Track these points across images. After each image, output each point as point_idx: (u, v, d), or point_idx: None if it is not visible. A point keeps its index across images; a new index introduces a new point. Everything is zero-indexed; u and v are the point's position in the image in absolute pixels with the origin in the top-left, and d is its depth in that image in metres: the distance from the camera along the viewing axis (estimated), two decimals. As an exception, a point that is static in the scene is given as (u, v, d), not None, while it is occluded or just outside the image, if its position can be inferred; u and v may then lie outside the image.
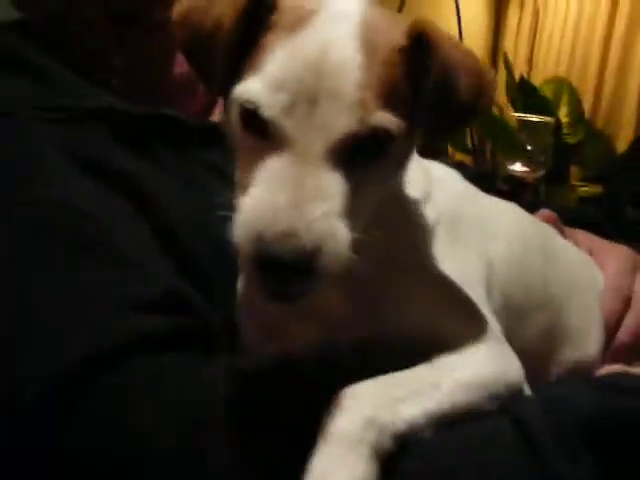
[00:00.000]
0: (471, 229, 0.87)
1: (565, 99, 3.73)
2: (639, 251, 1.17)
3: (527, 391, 0.76)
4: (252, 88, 0.65)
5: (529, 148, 2.30)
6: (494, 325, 0.79)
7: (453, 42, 0.70)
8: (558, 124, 3.25)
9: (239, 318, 0.84)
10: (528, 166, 2.29)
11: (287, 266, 0.60)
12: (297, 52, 0.64)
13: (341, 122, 0.63)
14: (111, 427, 0.65)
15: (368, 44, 0.65)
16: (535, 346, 0.93)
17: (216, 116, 1.09)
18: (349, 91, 0.63)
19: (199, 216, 0.84)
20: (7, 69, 0.92)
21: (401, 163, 0.74)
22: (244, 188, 0.65)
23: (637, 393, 0.73)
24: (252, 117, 0.65)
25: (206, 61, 0.68)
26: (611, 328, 1.03)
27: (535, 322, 0.95)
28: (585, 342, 1.02)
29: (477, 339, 0.76)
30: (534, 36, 4.62)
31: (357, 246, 0.64)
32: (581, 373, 1.00)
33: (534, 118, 2.43)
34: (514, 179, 2.27)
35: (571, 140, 3.58)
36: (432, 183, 0.85)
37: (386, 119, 0.65)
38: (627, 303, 1.06)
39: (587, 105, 4.13)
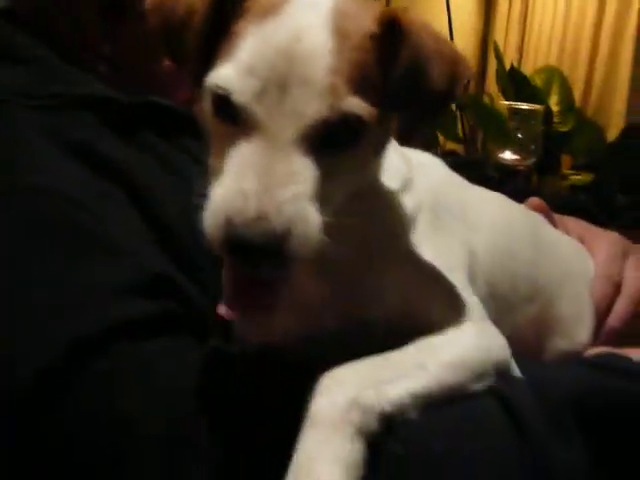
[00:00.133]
0: (453, 217, 0.87)
1: (555, 88, 3.73)
2: (629, 238, 1.17)
3: (515, 370, 0.76)
4: (224, 74, 0.65)
5: (520, 136, 2.30)
6: (477, 305, 0.80)
7: (427, 30, 0.69)
8: (549, 113, 3.25)
9: None
10: (519, 154, 2.30)
11: (257, 250, 0.60)
12: (269, 38, 0.65)
13: (311, 108, 0.63)
14: (100, 413, 0.65)
15: (339, 30, 0.65)
16: (525, 336, 0.93)
17: None
18: (320, 77, 0.63)
19: (189, 205, 0.83)
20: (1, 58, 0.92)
21: (376, 151, 0.73)
22: (216, 175, 0.65)
23: (627, 373, 0.73)
24: (224, 103, 0.65)
25: (180, 48, 0.69)
26: (601, 314, 1.04)
27: (524, 312, 0.95)
28: (576, 331, 1.02)
29: (460, 319, 0.76)
30: (524, 25, 4.62)
31: (329, 230, 0.64)
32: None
33: (524, 106, 2.44)
34: (505, 167, 2.28)
35: (562, 129, 3.58)
36: (414, 171, 0.85)
37: (357, 105, 0.65)
38: (617, 289, 1.06)
39: (577, 94, 4.13)
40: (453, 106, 2.70)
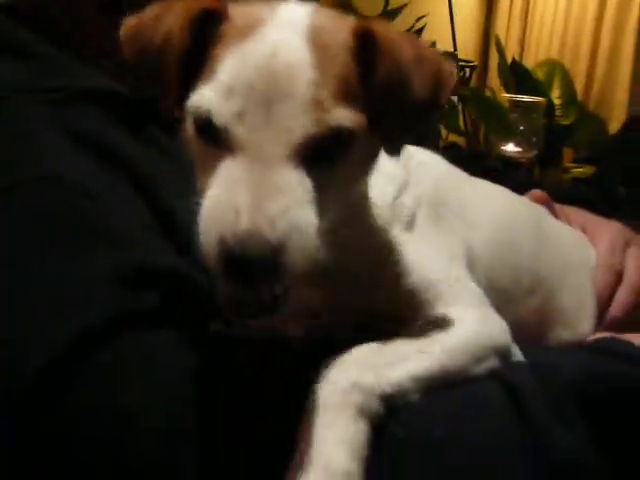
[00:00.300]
0: (451, 214, 0.87)
1: (557, 81, 3.73)
2: (631, 230, 1.17)
3: (517, 355, 0.77)
4: (203, 96, 0.64)
5: (521, 129, 2.31)
6: (477, 291, 0.80)
7: (405, 40, 0.68)
8: (550, 106, 3.25)
9: None
10: (520, 146, 2.30)
11: (253, 265, 0.59)
12: (247, 58, 0.64)
13: (298, 123, 0.62)
14: (101, 408, 0.65)
15: (317, 45, 0.65)
16: (527, 327, 0.94)
17: None
18: (303, 91, 0.62)
19: (191, 198, 0.84)
20: (5, 54, 0.92)
21: (366, 162, 0.72)
22: (204, 194, 0.64)
23: (628, 358, 0.73)
24: (206, 126, 0.64)
25: (158, 76, 0.68)
26: (603, 303, 1.04)
27: (526, 304, 0.96)
28: (578, 321, 1.03)
29: (461, 304, 0.77)
30: (526, 18, 4.62)
31: (325, 238, 0.63)
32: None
33: (526, 99, 2.44)
34: (507, 159, 2.28)
35: (563, 122, 3.58)
36: (414, 169, 0.85)
37: (345, 116, 0.64)
38: (619, 278, 1.06)
39: (579, 87, 4.13)
40: (455, 99, 2.70)
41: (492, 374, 0.72)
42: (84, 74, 0.90)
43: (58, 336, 0.66)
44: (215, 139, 0.64)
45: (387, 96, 0.66)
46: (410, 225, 0.80)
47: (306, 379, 0.66)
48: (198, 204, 0.63)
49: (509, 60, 3.52)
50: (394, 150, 0.69)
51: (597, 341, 0.87)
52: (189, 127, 0.67)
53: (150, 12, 0.69)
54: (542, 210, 1.11)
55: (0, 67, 0.90)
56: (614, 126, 3.91)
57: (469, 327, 0.74)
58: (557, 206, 1.18)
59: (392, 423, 0.65)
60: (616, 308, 1.04)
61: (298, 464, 0.62)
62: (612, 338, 0.85)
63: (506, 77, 3.44)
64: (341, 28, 0.68)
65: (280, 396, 0.67)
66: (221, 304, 0.65)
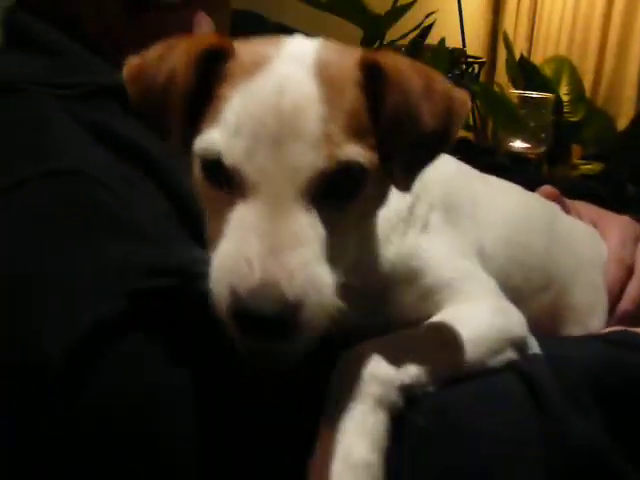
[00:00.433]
0: (463, 214, 0.88)
1: (565, 78, 3.73)
2: (640, 226, 1.18)
3: (534, 347, 0.78)
4: (211, 138, 0.62)
5: (530, 125, 2.31)
6: (492, 284, 0.81)
7: (413, 69, 0.66)
8: (559, 103, 3.24)
9: None
10: (529, 142, 2.30)
11: (267, 322, 0.56)
12: (254, 96, 0.62)
13: (308, 160, 0.60)
14: (129, 388, 0.66)
15: (325, 79, 0.63)
16: (539, 324, 0.94)
17: None
18: (313, 127, 0.61)
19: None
20: (22, 47, 0.93)
21: (378, 199, 0.70)
22: (215, 242, 0.62)
23: None
24: (215, 168, 0.62)
25: (162, 117, 0.65)
26: (614, 297, 1.05)
27: (539, 301, 0.96)
28: (590, 318, 1.03)
29: (479, 295, 0.78)
30: (534, 15, 4.61)
31: (344, 291, 0.61)
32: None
33: (535, 95, 2.44)
34: (515, 155, 2.28)
35: (572, 119, 3.58)
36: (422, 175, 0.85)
37: (355, 152, 0.62)
38: (629, 272, 1.07)
39: (587, 83, 4.12)
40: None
41: (509, 365, 0.73)
42: (105, 70, 0.91)
43: (72, 328, 0.67)
44: (225, 181, 0.62)
45: (396, 128, 0.64)
46: (424, 229, 0.80)
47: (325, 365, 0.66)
48: (209, 254, 0.61)
49: (517, 56, 3.52)
50: (405, 185, 0.66)
51: (611, 333, 0.88)
52: (197, 171, 0.65)
53: (153, 51, 0.68)
54: (554, 207, 1.12)
55: (21, 61, 0.91)
56: (622, 122, 3.90)
57: (484, 320, 0.75)
58: (567, 201, 1.19)
59: (412, 413, 0.65)
60: (627, 302, 1.05)
61: (319, 457, 0.62)
62: (625, 330, 0.86)
63: (514, 73, 3.44)
64: (348, 61, 0.66)
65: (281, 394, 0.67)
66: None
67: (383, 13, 2.39)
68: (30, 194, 0.76)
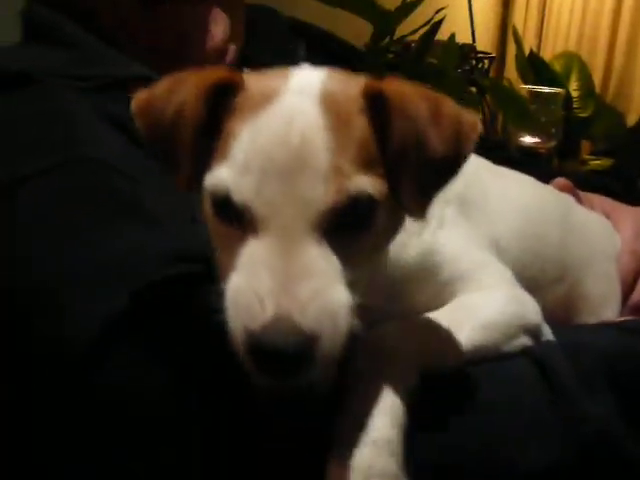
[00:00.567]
0: (477, 206, 0.88)
1: (575, 73, 3.71)
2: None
3: (548, 334, 0.78)
4: (220, 175, 0.62)
5: (540, 119, 2.30)
6: (507, 273, 0.82)
7: (419, 95, 0.65)
8: (568, 98, 3.24)
9: None
10: (539, 137, 2.30)
11: (284, 358, 0.56)
12: (262, 130, 0.62)
13: (318, 194, 0.60)
14: (152, 377, 0.67)
15: (331, 110, 0.63)
16: (553, 315, 0.95)
17: None
18: (321, 159, 0.60)
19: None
20: (39, 40, 0.94)
21: (392, 228, 0.69)
22: (226, 279, 0.61)
23: None
24: (225, 205, 0.62)
25: (172, 151, 0.65)
26: (627, 287, 1.06)
27: (553, 292, 0.97)
28: (603, 309, 1.04)
29: (494, 284, 0.79)
30: (543, 10, 4.60)
31: (360, 313, 0.60)
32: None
33: (545, 89, 2.44)
34: (525, 150, 2.28)
35: (581, 114, 3.57)
36: None
37: (365, 183, 0.61)
38: None
39: (597, 79, 4.11)
40: (474, 89, 2.70)
41: (524, 351, 0.74)
42: (121, 63, 0.92)
43: (95, 316, 0.69)
44: (235, 218, 0.62)
45: (404, 156, 0.63)
46: (440, 226, 0.81)
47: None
48: (222, 291, 0.60)
49: (527, 52, 3.51)
50: (418, 213, 0.65)
51: (625, 321, 0.89)
52: (207, 208, 0.65)
53: (162, 84, 0.68)
54: (568, 198, 1.12)
55: (38, 54, 0.92)
56: (632, 118, 3.89)
57: (498, 306, 0.76)
58: (581, 193, 1.20)
59: (428, 393, 0.67)
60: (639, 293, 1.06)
61: (339, 434, 0.63)
62: (637, 319, 0.86)
63: (524, 69, 3.43)
64: (352, 91, 0.65)
65: None
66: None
67: (393, 9, 2.39)
68: (51, 181, 0.77)
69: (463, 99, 2.31)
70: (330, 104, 0.63)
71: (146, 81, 0.90)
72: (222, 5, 1.05)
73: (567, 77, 3.65)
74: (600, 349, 0.73)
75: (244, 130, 0.62)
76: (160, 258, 0.72)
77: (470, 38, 3.21)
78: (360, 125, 0.63)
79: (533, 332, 0.76)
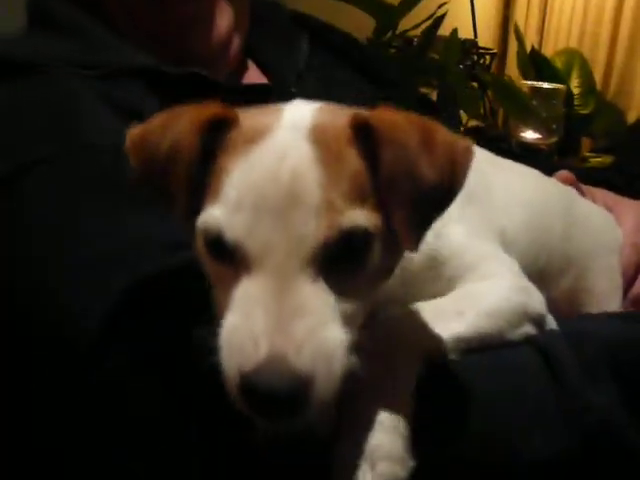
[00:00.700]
0: (480, 200, 0.88)
1: (576, 70, 3.71)
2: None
3: (552, 324, 0.79)
4: (212, 214, 0.61)
5: (541, 115, 2.31)
6: (512, 262, 0.82)
7: (409, 123, 0.64)
8: (569, 95, 3.24)
9: None
10: (540, 133, 2.31)
11: (278, 398, 0.54)
12: (253, 168, 0.61)
13: (310, 230, 0.59)
14: (152, 376, 0.68)
15: (321, 145, 0.62)
16: (558, 309, 0.95)
17: (247, 78, 1.13)
18: (312, 195, 0.59)
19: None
20: (45, 28, 0.94)
21: (390, 261, 0.67)
22: (221, 317, 0.61)
23: None
24: (218, 244, 0.61)
25: (166, 187, 0.64)
26: (628, 280, 1.06)
27: (559, 285, 0.98)
28: (607, 303, 1.05)
29: (499, 274, 0.79)
30: (545, 7, 4.59)
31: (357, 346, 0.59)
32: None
33: (546, 85, 2.44)
34: (526, 145, 2.28)
35: (582, 111, 3.57)
36: None
37: (358, 216, 0.60)
38: None
39: (598, 76, 4.11)
40: (475, 84, 2.71)
41: (528, 339, 0.74)
42: (128, 52, 0.93)
43: (106, 305, 0.69)
44: (228, 256, 0.61)
45: (395, 186, 0.61)
46: (444, 222, 0.78)
47: None
48: (217, 330, 0.59)
49: (528, 49, 3.51)
50: (413, 244, 0.63)
51: (629, 311, 0.89)
52: (201, 247, 0.64)
53: (156, 120, 0.67)
54: (571, 191, 1.13)
55: (44, 42, 0.93)
56: (632, 116, 3.89)
57: (503, 294, 0.76)
58: (583, 187, 1.20)
59: (433, 379, 0.67)
60: None
61: (348, 418, 0.64)
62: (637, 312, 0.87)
63: (525, 66, 3.42)
64: (340, 123, 0.64)
65: None
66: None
67: (396, 3, 2.40)
68: (54, 171, 0.77)
69: (464, 94, 2.32)
70: (320, 138, 0.62)
71: (153, 71, 0.91)
72: None
73: (568, 74, 3.64)
74: (603, 338, 0.74)
75: (236, 167, 0.62)
76: (164, 249, 0.72)
77: (472, 34, 3.21)
78: (350, 158, 0.62)
79: (537, 321, 0.77)
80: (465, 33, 3.02)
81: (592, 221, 1.09)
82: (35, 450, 0.77)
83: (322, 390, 0.56)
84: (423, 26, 2.49)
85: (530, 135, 2.34)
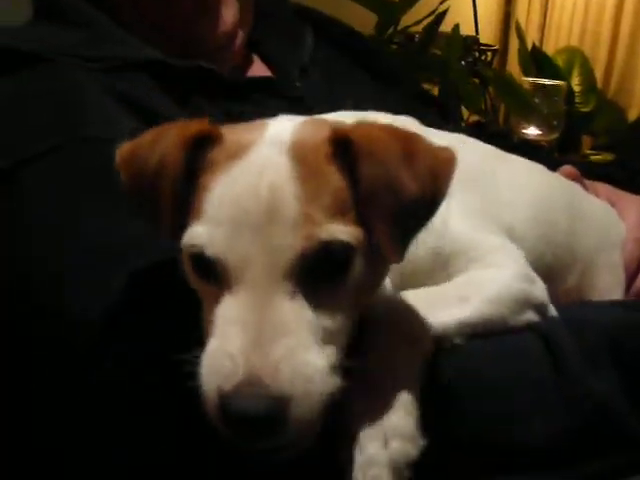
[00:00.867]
0: (484, 195, 0.89)
1: (577, 68, 3.71)
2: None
3: (554, 313, 0.79)
4: (195, 231, 0.62)
5: (542, 111, 2.31)
6: (515, 251, 0.83)
7: (389, 136, 0.64)
8: (570, 93, 3.24)
9: None
10: (541, 129, 2.31)
11: (254, 420, 0.55)
12: (233, 183, 0.62)
13: (287, 242, 0.59)
14: (152, 376, 0.68)
15: (300, 160, 0.62)
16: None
17: (251, 71, 1.13)
18: (290, 209, 0.60)
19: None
20: (51, 19, 0.95)
21: (374, 275, 0.67)
22: (207, 336, 0.61)
23: None
24: (201, 262, 0.62)
25: (155, 203, 0.64)
26: (631, 274, 1.07)
27: (565, 281, 0.99)
28: (610, 297, 1.04)
29: (501, 265, 0.79)
30: (546, 4, 4.58)
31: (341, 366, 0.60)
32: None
33: (547, 82, 2.44)
34: (528, 142, 2.29)
35: (583, 109, 3.57)
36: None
37: (336, 229, 0.60)
38: None
39: (599, 74, 4.11)
40: (477, 81, 2.71)
41: (530, 326, 0.75)
42: (134, 44, 0.93)
43: (105, 304, 0.69)
44: (213, 274, 0.62)
45: (375, 200, 0.61)
46: (446, 218, 0.80)
47: None
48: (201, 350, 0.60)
49: (529, 46, 3.51)
50: (397, 256, 0.63)
51: (630, 300, 0.90)
52: (186, 265, 0.64)
53: (146, 135, 0.68)
54: (575, 186, 1.13)
55: (49, 33, 0.93)
56: (633, 114, 3.90)
57: (505, 281, 0.77)
58: (586, 182, 1.20)
59: (439, 364, 0.68)
60: None
61: (358, 397, 0.64)
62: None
63: (526, 63, 3.42)
64: (320, 138, 0.64)
65: None
66: None
67: (398, -1, 2.39)
68: (57, 163, 0.78)
69: (466, 90, 2.32)
70: (299, 154, 0.63)
71: (158, 64, 0.91)
72: None
73: (569, 72, 3.64)
74: (605, 326, 0.74)
75: (217, 184, 0.62)
76: (164, 247, 0.72)
77: (473, 30, 3.21)
78: (329, 173, 0.63)
79: (539, 309, 0.77)
80: (467, 29, 3.02)
81: (596, 216, 1.09)
82: (35, 450, 0.77)
83: (300, 411, 0.56)
84: (425, 22, 2.49)
85: (531, 131, 2.34)
